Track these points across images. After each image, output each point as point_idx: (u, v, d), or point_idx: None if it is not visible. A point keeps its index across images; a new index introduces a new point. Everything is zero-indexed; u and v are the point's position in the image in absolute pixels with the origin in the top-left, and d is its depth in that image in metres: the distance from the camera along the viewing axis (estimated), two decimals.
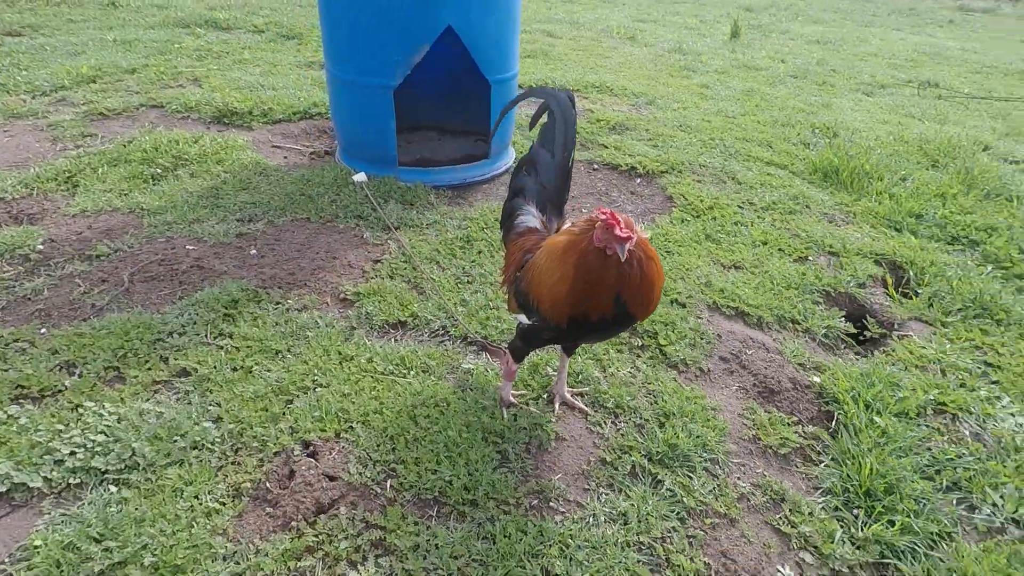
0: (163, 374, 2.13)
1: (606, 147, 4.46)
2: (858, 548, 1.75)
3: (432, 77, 3.95)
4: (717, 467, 1.93)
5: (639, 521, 1.71)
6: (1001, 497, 1.90)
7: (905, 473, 1.94)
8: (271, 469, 1.80)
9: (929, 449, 2.07)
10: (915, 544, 1.75)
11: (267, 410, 1.99)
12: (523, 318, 1.84)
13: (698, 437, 1.98)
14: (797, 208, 3.76)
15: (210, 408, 1.99)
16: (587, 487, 1.83)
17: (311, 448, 1.87)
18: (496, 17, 3.33)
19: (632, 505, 1.75)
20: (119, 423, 1.88)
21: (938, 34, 12.64)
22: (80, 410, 1.93)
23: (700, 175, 4.12)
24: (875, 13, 14.94)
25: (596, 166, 4.23)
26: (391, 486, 1.77)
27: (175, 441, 1.84)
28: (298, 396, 2.07)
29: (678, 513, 1.76)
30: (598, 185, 3.97)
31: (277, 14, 7.70)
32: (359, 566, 1.56)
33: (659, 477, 1.86)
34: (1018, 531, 1.81)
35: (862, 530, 1.79)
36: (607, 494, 1.80)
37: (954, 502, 1.90)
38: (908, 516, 1.81)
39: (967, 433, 2.16)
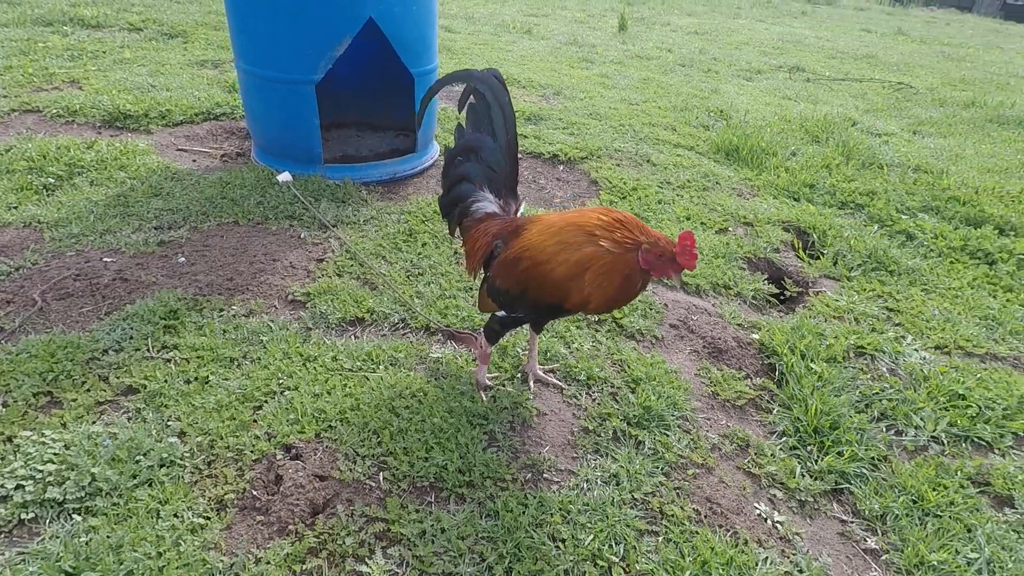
0: (106, 394, 1.94)
1: (526, 136, 4.55)
2: (816, 479, 1.95)
3: (351, 71, 3.85)
4: (687, 423, 2.07)
5: (629, 480, 1.81)
6: (921, 420, 2.18)
7: (843, 410, 2.18)
8: (255, 477, 1.71)
9: (858, 387, 2.34)
10: (862, 469, 1.97)
11: (235, 419, 1.88)
12: (500, 314, 1.86)
13: (668, 398, 2.11)
14: (709, 185, 4.06)
15: (170, 423, 1.85)
16: (575, 455, 1.90)
17: (294, 451, 1.80)
18: (417, 8, 3.31)
19: (621, 467, 1.85)
20: (68, 450, 1.70)
21: (794, 24, 13.95)
22: (15, 441, 1.72)
23: (618, 159, 4.32)
24: (739, 6, 16.20)
25: (520, 155, 4.30)
26: (384, 478, 1.74)
27: (139, 461, 1.70)
28: (266, 401, 1.97)
29: (662, 468, 1.87)
30: (524, 174, 4.05)
31: (153, 11, 7.09)
32: (367, 560, 1.52)
33: (639, 438, 1.97)
34: (938, 447, 2.10)
35: (817, 463, 2.00)
36: (595, 459, 1.88)
37: (884, 429, 2.17)
38: (852, 446, 2.04)
39: (884, 370, 2.46)
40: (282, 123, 3.38)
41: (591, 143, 4.49)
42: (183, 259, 2.68)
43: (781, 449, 2.05)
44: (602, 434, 1.97)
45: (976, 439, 2.13)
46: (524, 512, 1.67)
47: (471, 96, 1.93)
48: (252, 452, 1.77)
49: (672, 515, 1.72)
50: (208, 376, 2.05)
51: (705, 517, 1.74)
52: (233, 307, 2.40)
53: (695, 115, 5.56)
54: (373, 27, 3.14)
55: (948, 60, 10.97)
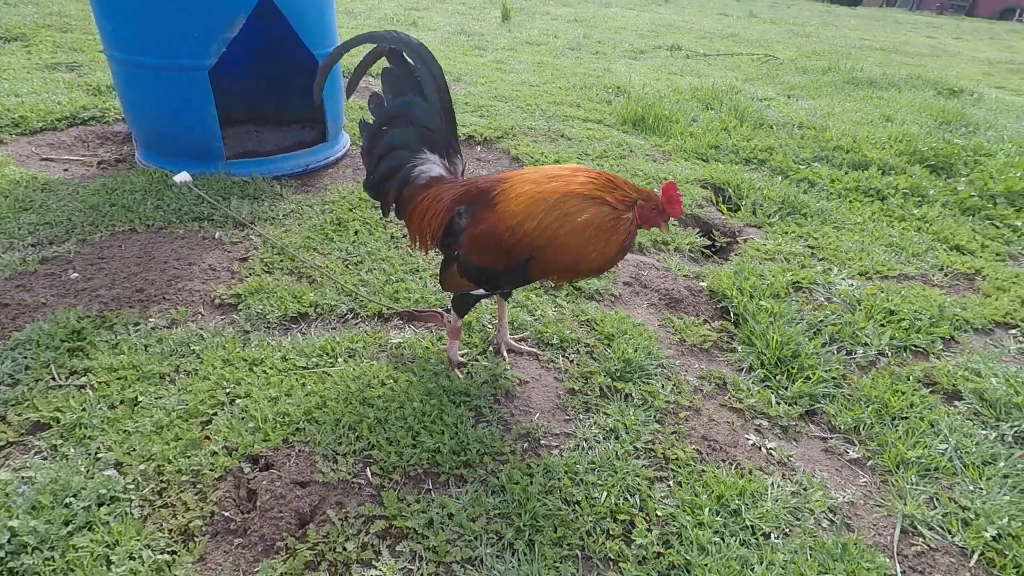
0: (8, 435, 1.61)
1: None
2: (791, 405, 2.01)
3: (245, 59, 3.52)
4: (666, 370, 2.06)
5: (628, 432, 1.76)
6: (867, 338, 2.33)
7: (799, 339, 2.27)
8: (222, 497, 1.47)
9: (804, 318, 2.45)
10: (827, 389, 2.06)
11: (181, 438, 1.62)
12: (477, 292, 1.74)
13: (644, 349, 2.09)
14: (625, 153, 4.14)
15: (100, 455, 1.56)
16: (567, 417, 1.83)
17: (262, 461, 1.58)
18: None
19: (616, 420, 1.80)
20: None
21: (661, 11, 14.78)
22: None
23: (533, 136, 4.30)
24: None
25: None
26: (373, 473, 1.57)
27: (69, 504, 1.41)
28: (215, 414, 1.72)
29: (655, 416, 1.85)
30: None
31: None
32: (375, 563, 1.36)
33: (625, 391, 1.93)
34: (885, 359, 2.24)
35: (787, 390, 2.07)
36: (588, 418, 1.82)
37: (836, 351, 2.29)
38: (814, 371, 2.13)
39: (822, 299, 2.60)
40: (172, 117, 3.01)
41: (503, 123, 4.44)
42: (76, 275, 2.30)
43: (753, 383, 2.10)
44: (589, 392, 1.91)
45: (914, 347, 2.31)
46: (531, 482, 1.57)
47: (387, 60, 1.74)
48: (212, 470, 1.53)
49: (676, 458, 1.69)
50: (137, 397, 1.75)
51: (707, 455, 1.73)
52: (151, 319, 2.09)
53: (595, 92, 5.68)
54: (269, 6, 2.88)
55: (798, 36, 12.07)
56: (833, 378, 2.13)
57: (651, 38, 9.62)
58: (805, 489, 1.65)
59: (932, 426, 1.89)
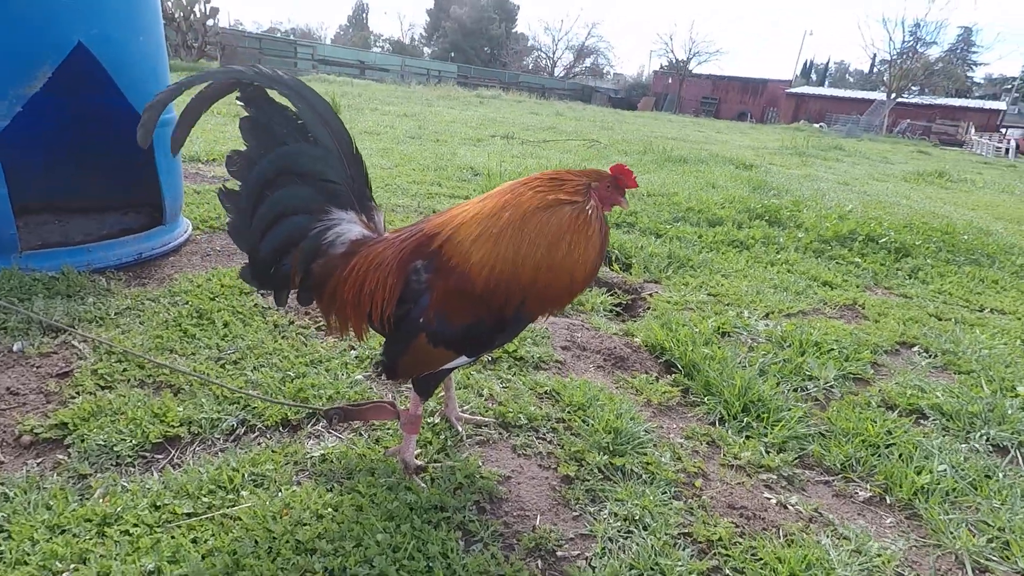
0: None
1: None
2: (781, 451, 1.84)
3: (48, 132, 2.77)
4: (653, 435, 1.78)
5: (653, 518, 1.42)
6: (810, 371, 2.30)
7: (756, 382, 2.16)
8: None
9: (745, 361, 2.38)
10: (804, 429, 1.94)
11: None
12: (457, 362, 1.36)
13: (626, 414, 1.80)
14: None
15: None
16: (575, 513, 1.44)
17: None
18: (147, 36, 2.55)
19: (634, 506, 1.45)
20: None
21: (479, 110, 15.79)
22: None
23: (404, 212, 4.01)
24: (428, 99, 17.72)
25: None
26: None
27: None
28: None
29: (671, 492, 1.54)
30: None
31: None
32: None
33: (625, 468, 1.60)
34: (837, 390, 2.21)
35: (768, 437, 1.90)
36: (601, 508, 1.45)
37: (788, 390, 2.21)
38: (781, 412, 2.01)
39: (749, 341, 2.57)
40: None
41: None
42: None
43: (734, 434, 1.91)
44: (588, 476, 1.55)
45: (853, 375, 2.32)
46: None
47: (245, 106, 1.32)
48: None
49: (719, 539, 1.39)
50: None
51: (745, 527, 1.45)
52: None
53: (451, 172, 5.60)
54: (85, 60, 2.29)
55: (602, 128, 13.58)
56: (800, 417, 2.02)
57: (482, 129, 10.07)
58: (858, 542, 1.44)
59: (917, 448, 1.84)
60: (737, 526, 1.45)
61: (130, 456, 1.49)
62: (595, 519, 1.42)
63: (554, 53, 50.69)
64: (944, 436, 1.92)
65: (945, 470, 1.73)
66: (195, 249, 3.00)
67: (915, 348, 2.63)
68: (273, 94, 1.34)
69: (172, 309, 2.25)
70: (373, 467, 1.51)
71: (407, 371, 1.39)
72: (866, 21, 40.29)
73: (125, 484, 1.40)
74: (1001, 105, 37.16)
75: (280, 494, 1.40)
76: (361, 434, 1.67)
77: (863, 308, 3.07)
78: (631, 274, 3.37)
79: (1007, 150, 22.50)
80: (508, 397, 1.87)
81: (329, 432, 1.67)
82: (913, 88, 32.54)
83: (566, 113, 18.47)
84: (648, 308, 2.95)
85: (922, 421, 2.03)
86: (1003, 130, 29.30)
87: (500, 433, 1.70)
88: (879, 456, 1.82)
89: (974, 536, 1.49)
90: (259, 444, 1.60)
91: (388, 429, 1.67)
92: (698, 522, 1.44)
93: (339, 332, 1.43)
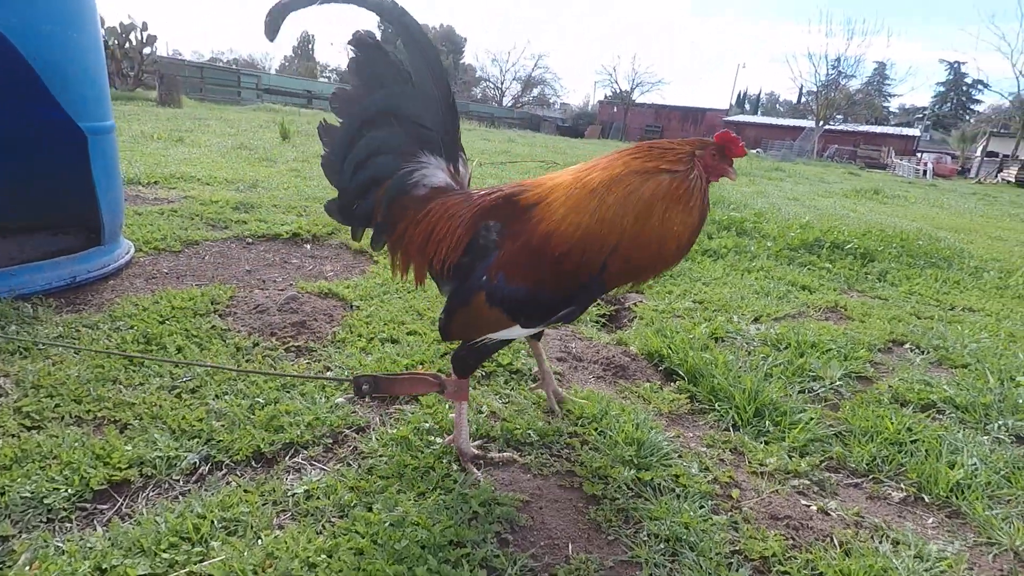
0: None
1: (245, 222, 3.65)
2: (804, 456, 1.72)
3: None
4: (674, 445, 1.63)
5: (698, 537, 1.25)
6: (814, 372, 2.21)
7: (763, 385, 2.05)
8: None
9: (747, 365, 2.27)
10: (823, 430, 1.83)
11: None
12: (510, 332, 1.32)
13: (645, 425, 1.64)
14: None
15: None
16: (611, 537, 1.25)
17: None
18: (82, 33, 2.30)
19: (674, 524, 1.28)
20: None
21: None
22: None
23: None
24: None
25: (250, 240, 3.39)
26: None
27: None
28: None
29: (709, 506, 1.37)
30: (268, 256, 3.17)
31: None
32: None
33: (655, 482, 1.44)
34: (844, 390, 2.13)
35: (786, 440, 1.78)
36: (639, 530, 1.27)
37: (796, 392, 2.11)
38: (795, 414, 1.90)
39: (744, 346, 2.47)
40: None
41: (328, 219, 3.84)
42: None
43: (755, 440, 1.78)
44: (617, 494, 1.37)
45: (856, 374, 2.25)
46: None
47: (355, 47, 1.33)
48: None
49: (774, 555, 1.23)
50: None
51: (796, 539, 1.30)
52: None
53: None
54: (6, 51, 2.02)
55: (555, 152, 13.73)
56: (815, 418, 1.92)
57: None
58: (910, 544, 1.31)
59: (941, 443, 1.75)
60: (787, 538, 1.30)
61: (65, 509, 1.22)
62: (633, 543, 1.24)
63: (502, 83, 51.56)
64: (964, 429, 1.85)
65: (976, 464, 1.65)
66: (138, 272, 2.70)
67: (906, 345, 2.60)
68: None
69: (114, 335, 1.96)
70: (370, 501, 1.29)
71: (459, 332, 1.38)
72: (794, 56, 42.96)
73: (60, 544, 1.13)
74: (916, 132, 40.12)
75: (260, 542, 1.16)
76: (350, 464, 1.44)
77: (846, 310, 3.05)
78: None
79: (924, 171, 24.18)
80: (511, 413, 1.68)
81: (311, 464, 1.44)
82: (838, 116, 34.68)
83: (517, 140, 18.65)
84: (635, 317, 2.83)
85: (938, 416, 1.96)
86: (919, 154, 31.55)
87: (510, 453, 1.50)
88: (905, 454, 1.71)
89: None
90: (228, 483, 1.35)
91: (382, 457, 1.45)
92: (746, 537, 1.28)
93: (401, 272, 1.44)
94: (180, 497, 1.29)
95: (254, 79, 26.75)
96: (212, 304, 2.28)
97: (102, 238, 2.54)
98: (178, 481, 1.35)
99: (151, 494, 1.31)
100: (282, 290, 2.56)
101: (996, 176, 24.33)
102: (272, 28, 1.28)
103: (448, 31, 52.04)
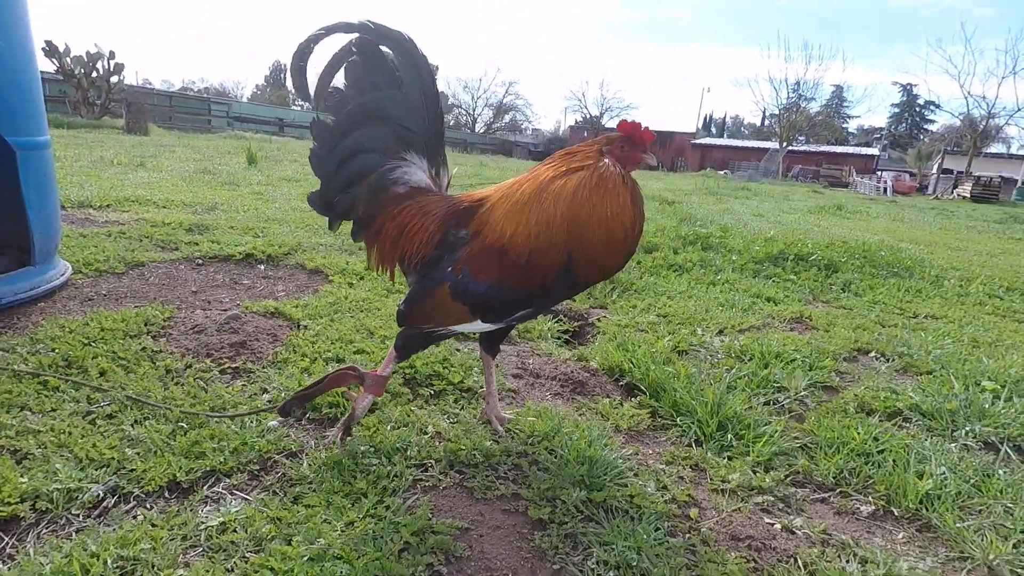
0: None
1: (197, 244, 3.50)
2: (769, 471, 1.63)
3: None
4: (630, 463, 1.53)
5: (651, 561, 1.15)
6: (778, 383, 2.14)
7: (726, 398, 1.97)
8: None
9: (710, 377, 2.20)
10: (788, 443, 1.75)
11: None
12: (469, 326, 1.37)
13: (599, 441, 1.54)
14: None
15: None
16: (556, 566, 1.14)
17: None
18: (13, 45, 2.17)
19: (625, 548, 1.18)
20: None
21: None
22: None
23: (325, 251, 3.67)
24: None
25: (200, 261, 3.24)
26: None
27: None
28: None
29: (666, 528, 1.28)
30: (218, 277, 3.03)
31: None
32: None
33: (608, 503, 1.33)
34: (809, 400, 2.06)
35: (751, 455, 1.70)
36: (587, 557, 1.17)
37: (760, 404, 2.04)
38: (758, 426, 1.82)
39: (708, 358, 2.41)
40: None
41: (285, 240, 3.73)
42: None
43: (718, 455, 1.69)
44: (565, 517, 1.27)
45: (821, 383, 2.19)
46: None
47: (355, 51, 1.42)
48: None
49: (725, 561, 1.13)
50: None
51: (758, 560, 1.21)
52: None
53: None
54: None
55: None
56: (780, 431, 1.84)
57: None
58: (878, 563, 1.23)
59: (909, 452, 1.68)
60: (748, 560, 1.21)
61: None
62: (581, 570, 1.13)
63: (474, 110, 52.06)
64: (931, 436, 1.79)
65: (945, 473, 1.58)
66: (74, 294, 2.54)
67: (871, 354, 2.56)
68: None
69: (31, 359, 1.80)
70: (291, 533, 1.16)
71: (418, 318, 1.40)
72: (755, 79, 44.40)
73: None
74: (875, 151, 41.51)
75: None
76: (276, 492, 1.32)
77: (811, 320, 3.01)
78: (575, 300, 3.17)
79: (884, 189, 24.94)
80: (458, 433, 1.57)
81: (232, 494, 1.31)
82: (800, 138, 35.73)
83: (489, 164, 18.75)
84: (598, 333, 2.75)
85: (904, 424, 1.90)
86: (879, 172, 32.57)
87: (452, 476, 1.39)
88: (872, 465, 1.65)
89: (1000, 543, 1.32)
90: (134, 517, 1.21)
91: (311, 484, 1.33)
92: (704, 561, 1.18)
93: (376, 267, 1.50)
94: (75, 534, 1.15)
95: (225, 107, 26.55)
96: (146, 325, 2.14)
97: (33, 259, 2.39)
98: (76, 516, 1.21)
99: (43, 531, 1.16)
100: (226, 310, 2.42)
101: (952, 192, 25.20)
102: (299, 85, 1.41)
103: None
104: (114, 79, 17.83)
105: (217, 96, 37.90)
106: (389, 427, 1.57)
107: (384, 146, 1.45)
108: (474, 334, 1.63)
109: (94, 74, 17.44)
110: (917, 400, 1.98)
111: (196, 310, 2.41)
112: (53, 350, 1.86)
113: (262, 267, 3.31)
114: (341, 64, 1.40)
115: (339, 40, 1.39)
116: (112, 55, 17.57)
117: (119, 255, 3.09)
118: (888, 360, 2.48)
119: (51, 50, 16.69)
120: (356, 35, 1.38)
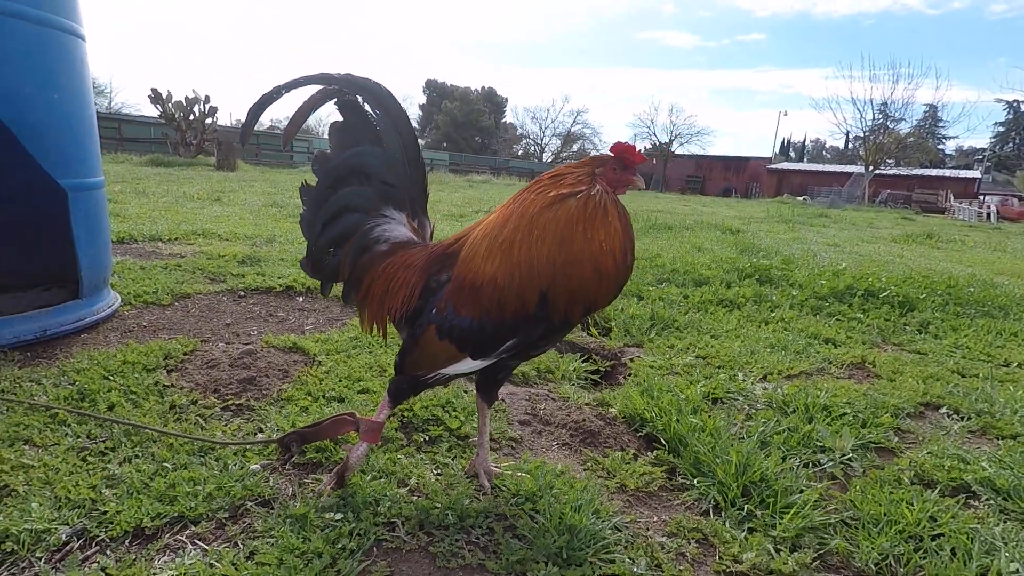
0: None
1: (243, 275, 3.62)
2: (795, 550, 1.42)
3: None
4: (625, 534, 1.37)
5: None
6: (822, 442, 1.90)
7: (757, 457, 1.76)
8: None
9: (743, 432, 1.98)
10: (824, 517, 1.53)
11: None
12: (461, 366, 1.33)
13: (586, 506, 1.39)
14: None
15: None
16: None
17: None
18: (64, 94, 2.34)
19: None
20: None
21: (467, 191, 16.00)
22: None
23: None
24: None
25: (242, 293, 3.34)
26: None
27: None
28: None
29: None
30: (255, 309, 3.10)
31: None
32: None
33: None
34: (857, 464, 1.81)
35: (776, 529, 1.48)
36: None
37: (797, 466, 1.80)
38: (790, 494, 1.60)
39: (745, 408, 2.18)
40: None
41: None
42: None
43: (732, 526, 1.49)
44: None
45: (874, 444, 1.92)
46: None
47: (338, 111, 1.47)
48: None
49: None
50: None
51: None
52: None
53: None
54: None
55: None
56: (815, 500, 1.61)
57: (466, 207, 10.05)
58: None
59: (973, 539, 1.42)
60: None
61: None
62: None
63: (542, 140, 52.72)
64: (1004, 521, 1.50)
65: (1018, 571, 1.31)
66: (117, 325, 2.66)
67: (942, 409, 2.24)
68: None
69: (51, 391, 1.87)
70: None
71: (412, 368, 1.38)
72: (836, 101, 42.20)
73: None
74: (976, 174, 38.30)
75: None
76: (236, 544, 1.26)
77: (874, 366, 2.70)
78: (610, 338, 3.01)
79: (988, 215, 22.85)
80: (438, 488, 1.46)
81: (193, 544, 1.26)
82: (888, 161, 33.56)
83: (493, 183, 18.74)
84: (629, 374, 2.58)
85: (972, 502, 1.62)
86: (982, 197, 29.98)
87: (419, 537, 1.28)
88: (925, 552, 1.39)
89: None
90: (92, 563, 1.18)
91: (268, 539, 1.26)
92: None
93: (369, 328, 1.48)
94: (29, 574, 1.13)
95: (306, 143, 28.26)
96: (165, 359, 2.19)
97: (80, 292, 2.52)
98: (39, 560, 1.19)
99: (4, 574, 1.15)
100: (246, 344, 2.45)
101: None
102: (245, 134, 1.53)
103: (489, 92, 54.00)
104: (208, 121, 19.38)
105: (299, 132, 40.41)
106: (369, 477, 1.48)
107: (366, 205, 1.46)
108: (473, 377, 1.53)
109: (191, 116, 19.05)
110: (991, 473, 1.69)
111: (219, 343, 2.46)
112: (74, 383, 1.93)
113: (300, 299, 3.37)
114: (311, 111, 1.42)
115: (312, 90, 1.40)
116: (207, 99, 19.14)
117: (168, 287, 3.23)
118: (963, 418, 2.16)
119: (156, 97, 18.41)
120: (322, 87, 1.39)
